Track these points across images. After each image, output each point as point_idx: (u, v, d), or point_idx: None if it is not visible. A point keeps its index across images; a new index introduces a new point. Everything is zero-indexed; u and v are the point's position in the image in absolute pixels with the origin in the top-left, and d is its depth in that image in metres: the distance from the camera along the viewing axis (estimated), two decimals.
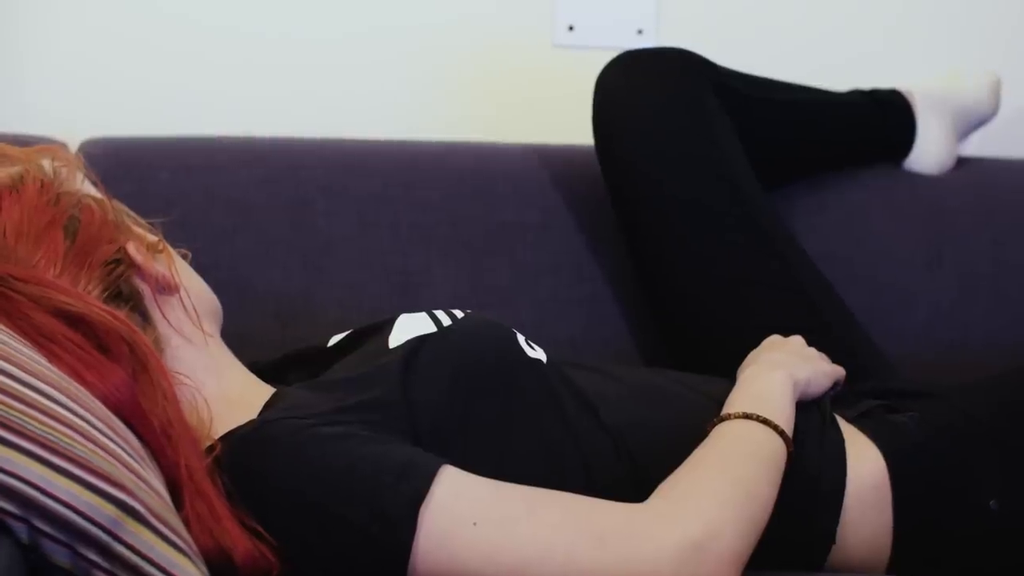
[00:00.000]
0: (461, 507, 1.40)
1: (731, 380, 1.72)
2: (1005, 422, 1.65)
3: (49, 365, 1.34)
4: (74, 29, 2.27)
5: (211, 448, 1.46)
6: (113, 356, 1.41)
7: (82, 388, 1.34)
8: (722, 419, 1.55)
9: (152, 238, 1.57)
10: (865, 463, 1.61)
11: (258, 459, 1.44)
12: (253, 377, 1.61)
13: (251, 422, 1.48)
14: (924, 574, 1.58)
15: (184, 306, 1.56)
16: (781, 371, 1.63)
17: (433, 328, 1.60)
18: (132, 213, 1.61)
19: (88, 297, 1.45)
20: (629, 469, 1.56)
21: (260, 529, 1.41)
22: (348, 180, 2.10)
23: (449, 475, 1.41)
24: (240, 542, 1.38)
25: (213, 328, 1.60)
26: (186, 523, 1.33)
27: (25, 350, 1.33)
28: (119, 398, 1.37)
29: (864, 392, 1.77)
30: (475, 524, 1.39)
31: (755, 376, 1.64)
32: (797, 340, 1.79)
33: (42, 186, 1.51)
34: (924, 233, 2.18)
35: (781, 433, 1.54)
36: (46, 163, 1.55)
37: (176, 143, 2.11)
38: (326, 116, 2.30)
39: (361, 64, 2.34)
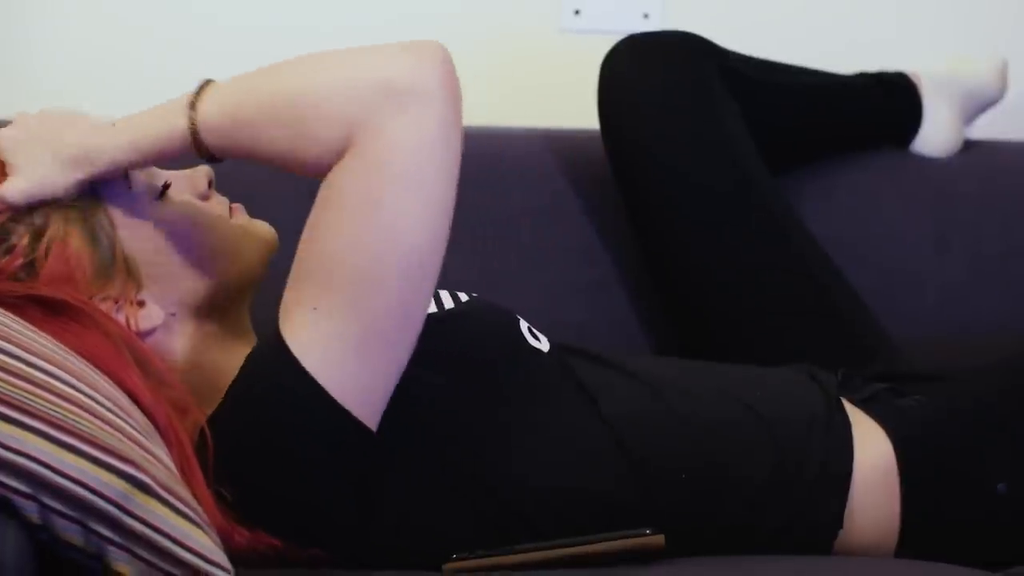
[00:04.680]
0: (294, 314, 1.43)
1: (738, 365, 1.72)
2: (1014, 405, 1.65)
3: (53, 344, 1.34)
4: (85, 16, 2.28)
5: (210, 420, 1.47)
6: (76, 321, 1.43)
7: (84, 363, 1.35)
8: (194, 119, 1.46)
9: (129, 291, 1.51)
10: (872, 447, 1.61)
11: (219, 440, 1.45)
12: None
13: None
14: (932, 559, 1.57)
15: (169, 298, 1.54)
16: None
17: (435, 309, 1.60)
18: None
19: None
20: (628, 462, 1.55)
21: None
22: None
23: (282, 327, 1.43)
24: (210, 509, 1.37)
25: (224, 310, 1.58)
26: None
27: (27, 331, 1.33)
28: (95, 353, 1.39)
29: (872, 376, 1.76)
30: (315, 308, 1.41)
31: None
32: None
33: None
34: (931, 216, 2.18)
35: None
36: None
37: None
38: None
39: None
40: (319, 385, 1.41)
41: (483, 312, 1.62)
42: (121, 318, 1.48)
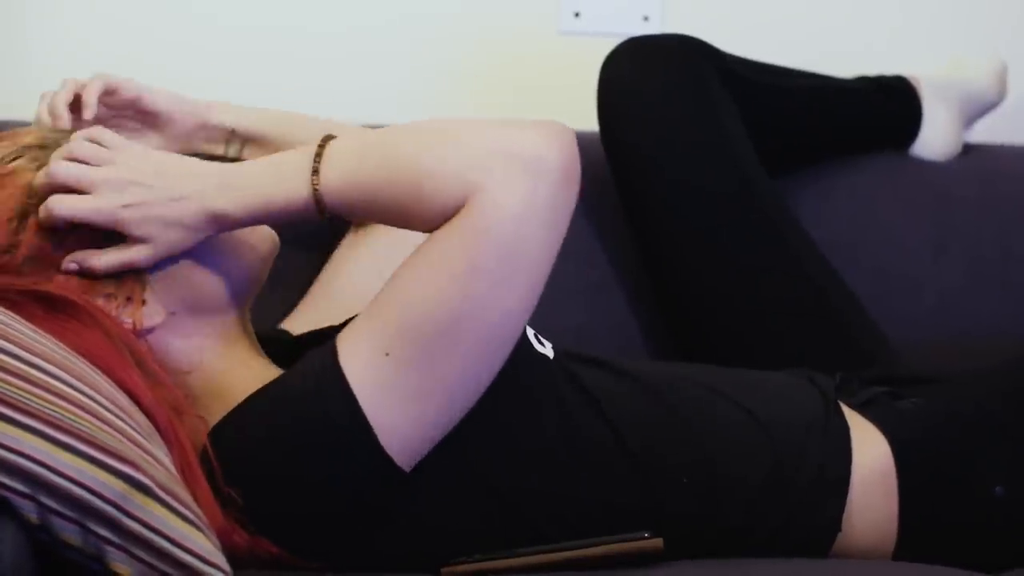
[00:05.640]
0: (362, 345, 1.42)
1: (736, 368, 1.72)
2: (1012, 409, 1.65)
3: (53, 343, 1.34)
4: (83, 15, 2.28)
5: (213, 429, 1.46)
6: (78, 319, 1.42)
7: (85, 363, 1.35)
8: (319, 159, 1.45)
9: (132, 289, 1.50)
10: (870, 450, 1.61)
11: (231, 443, 1.45)
12: (259, 363, 1.60)
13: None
14: (931, 562, 1.57)
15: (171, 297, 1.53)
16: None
17: None
18: None
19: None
20: (629, 464, 1.55)
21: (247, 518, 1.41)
22: None
23: (343, 357, 1.43)
24: (210, 510, 1.37)
25: (225, 310, 1.56)
26: None
27: (27, 330, 1.33)
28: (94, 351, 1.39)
29: (870, 379, 1.76)
30: (387, 354, 1.41)
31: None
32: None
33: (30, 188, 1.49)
34: (930, 220, 2.18)
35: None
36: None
37: None
38: (335, 106, 2.30)
39: (369, 54, 2.35)
40: (368, 425, 1.41)
41: None
42: (123, 315, 1.48)
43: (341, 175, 1.44)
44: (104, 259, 1.46)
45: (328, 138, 1.46)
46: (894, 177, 2.21)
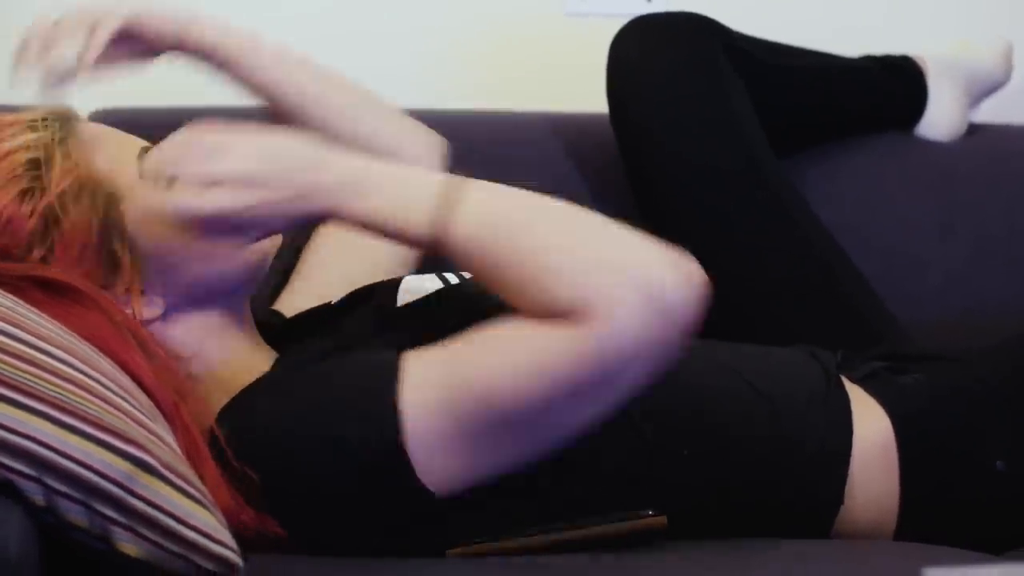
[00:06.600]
0: (429, 389, 1.42)
1: (745, 344, 1.72)
2: (1014, 384, 1.65)
3: (56, 327, 1.35)
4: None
5: (223, 410, 1.47)
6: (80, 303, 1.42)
7: (88, 346, 1.35)
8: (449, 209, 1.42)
9: (132, 280, 1.50)
10: (871, 424, 1.61)
11: (248, 420, 1.46)
12: (259, 350, 1.60)
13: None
14: (933, 537, 1.57)
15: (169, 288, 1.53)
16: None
17: (440, 285, 1.62)
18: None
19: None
20: (632, 438, 1.55)
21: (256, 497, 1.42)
22: None
23: (407, 361, 1.43)
24: (217, 490, 1.37)
25: (225, 302, 1.57)
26: None
27: (30, 313, 1.34)
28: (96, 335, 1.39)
29: (874, 356, 1.76)
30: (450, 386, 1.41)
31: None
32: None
33: (23, 193, 1.49)
34: (936, 200, 2.18)
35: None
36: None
37: (189, 114, 2.09)
38: None
39: (375, 35, 2.35)
40: (408, 461, 1.41)
41: (472, 292, 1.62)
42: (123, 305, 1.49)
43: (467, 234, 1.41)
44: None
45: (459, 183, 1.43)
46: (900, 157, 2.21)
